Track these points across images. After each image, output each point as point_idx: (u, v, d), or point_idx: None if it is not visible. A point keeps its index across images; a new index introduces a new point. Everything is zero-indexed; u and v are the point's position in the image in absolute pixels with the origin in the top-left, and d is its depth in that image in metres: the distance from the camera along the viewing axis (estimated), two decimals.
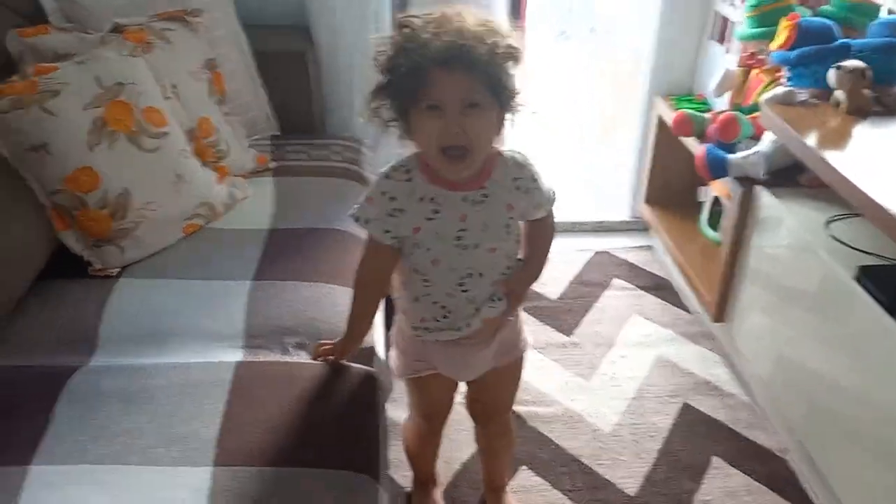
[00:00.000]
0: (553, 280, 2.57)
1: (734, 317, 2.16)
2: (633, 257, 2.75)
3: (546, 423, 2.01)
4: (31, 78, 1.65)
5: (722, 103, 2.40)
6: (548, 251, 1.42)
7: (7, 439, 1.26)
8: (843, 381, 1.67)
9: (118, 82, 1.72)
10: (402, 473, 1.80)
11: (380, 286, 1.39)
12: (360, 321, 1.43)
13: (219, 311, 1.57)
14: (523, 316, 1.51)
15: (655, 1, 2.55)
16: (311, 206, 1.96)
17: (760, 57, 2.18)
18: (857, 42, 1.91)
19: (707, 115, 2.33)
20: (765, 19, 2.12)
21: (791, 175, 1.98)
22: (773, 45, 2.01)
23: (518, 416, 2.00)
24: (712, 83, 2.37)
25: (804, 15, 2.02)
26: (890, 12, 2.01)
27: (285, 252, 1.76)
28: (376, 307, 1.44)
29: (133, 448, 1.25)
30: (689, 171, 2.38)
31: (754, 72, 2.22)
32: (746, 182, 2.03)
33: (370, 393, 1.44)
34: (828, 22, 1.96)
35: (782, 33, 1.98)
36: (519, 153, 1.30)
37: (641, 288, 2.58)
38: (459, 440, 1.89)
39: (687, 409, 2.07)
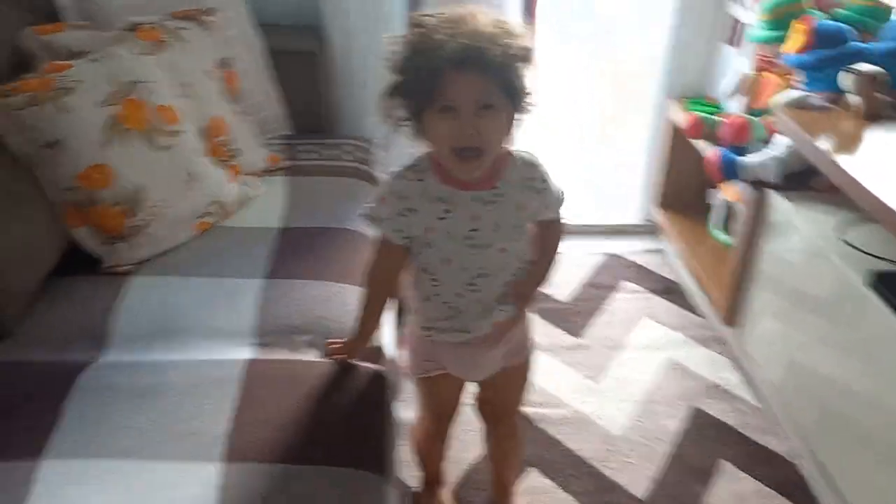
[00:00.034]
0: (563, 282, 2.57)
1: (745, 321, 2.15)
2: (643, 260, 2.74)
3: (555, 425, 2.01)
4: (45, 75, 1.67)
5: (734, 106, 2.39)
6: (556, 254, 1.42)
7: (18, 434, 1.27)
8: (854, 386, 1.66)
9: (132, 80, 1.73)
10: (409, 473, 1.80)
11: (389, 285, 1.39)
12: (369, 320, 1.43)
13: (229, 309, 1.58)
14: (531, 317, 1.51)
15: (668, 3, 2.55)
16: (322, 205, 1.96)
17: (773, 60, 2.17)
18: (871, 46, 1.90)
19: (719, 118, 2.32)
20: (778, 22, 2.11)
21: (804, 179, 1.97)
22: (787, 48, 2.01)
23: (526, 418, 1.99)
24: (725, 86, 2.37)
25: (818, 18, 2.01)
26: None
27: (296, 251, 1.76)
28: (385, 306, 1.44)
29: (143, 443, 1.26)
30: (700, 174, 2.38)
31: (768, 75, 2.21)
32: (758, 186, 2.02)
33: (379, 392, 1.44)
34: (842, 26, 1.95)
35: (796, 37, 1.97)
36: (528, 153, 1.31)
37: (652, 291, 2.58)
38: (467, 441, 1.89)
39: (697, 413, 2.06)
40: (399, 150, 2.42)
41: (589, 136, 3.74)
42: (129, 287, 1.64)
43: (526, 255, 1.35)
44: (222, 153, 1.96)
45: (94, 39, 1.87)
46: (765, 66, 2.22)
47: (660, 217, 2.76)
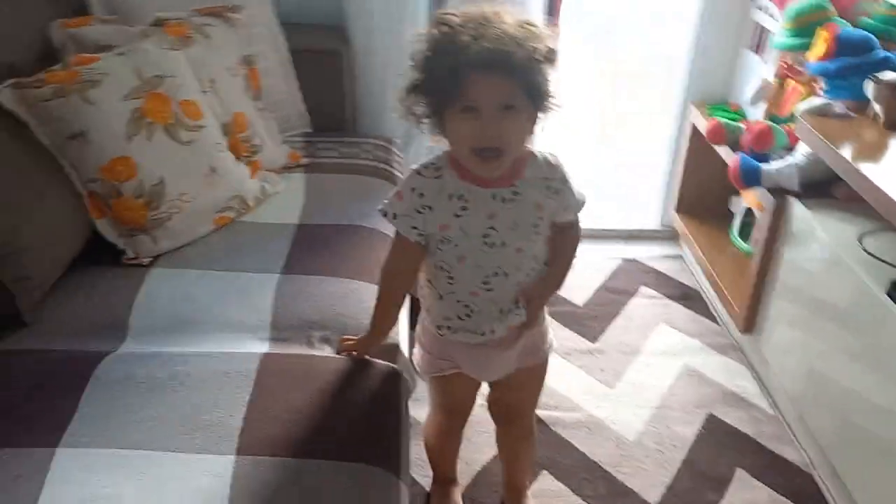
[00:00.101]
0: (580, 286, 2.56)
1: (763, 329, 2.14)
2: (661, 266, 2.73)
3: (569, 429, 2.01)
4: (72, 68, 1.69)
5: (757, 113, 2.37)
6: (572, 258, 1.42)
7: (36, 421, 1.28)
8: (873, 396, 1.65)
9: (157, 75, 1.75)
10: (421, 473, 1.80)
11: (405, 282, 1.40)
12: (384, 317, 1.44)
13: (247, 303, 1.59)
14: (549, 320, 1.51)
15: (692, 8, 2.54)
16: (341, 202, 1.97)
17: (797, 68, 2.16)
18: (895, 55, 1.88)
19: (741, 125, 2.31)
20: (803, 30, 2.10)
21: (825, 188, 1.96)
22: (811, 56, 1.99)
23: (540, 421, 1.99)
24: (748, 92, 2.36)
25: (842, 26, 1.99)
26: None
27: (314, 247, 1.77)
28: (401, 303, 1.45)
29: (158, 434, 1.26)
30: (721, 180, 2.36)
31: (791, 82, 2.20)
32: (779, 193, 2.01)
33: (393, 389, 1.44)
34: (867, 34, 1.94)
35: (821, 44, 1.96)
36: (551, 154, 1.31)
37: (669, 297, 2.57)
38: (480, 442, 1.89)
39: (712, 420, 2.05)
40: (418, 149, 2.45)
41: (608, 138, 3.74)
42: (148, 279, 1.65)
43: (542, 256, 1.35)
44: (244, 149, 1.98)
45: (121, 33, 1.89)
46: (788, 73, 2.21)
47: (679, 223, 2.75)
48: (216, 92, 1.93)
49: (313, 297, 1.61)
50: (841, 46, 1.92)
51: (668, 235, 2.90)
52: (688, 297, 2.57)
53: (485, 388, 1.58)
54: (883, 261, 1.70)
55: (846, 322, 1.75)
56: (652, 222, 2.95)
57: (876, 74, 1.78)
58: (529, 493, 1.78)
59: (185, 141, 1.75)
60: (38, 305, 1.55)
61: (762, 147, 2.11)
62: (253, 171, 1.97)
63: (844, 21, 2.07)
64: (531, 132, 1.23)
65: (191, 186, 1.76)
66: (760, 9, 2.39)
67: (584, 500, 1.81)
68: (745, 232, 2.49)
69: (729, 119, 2.39)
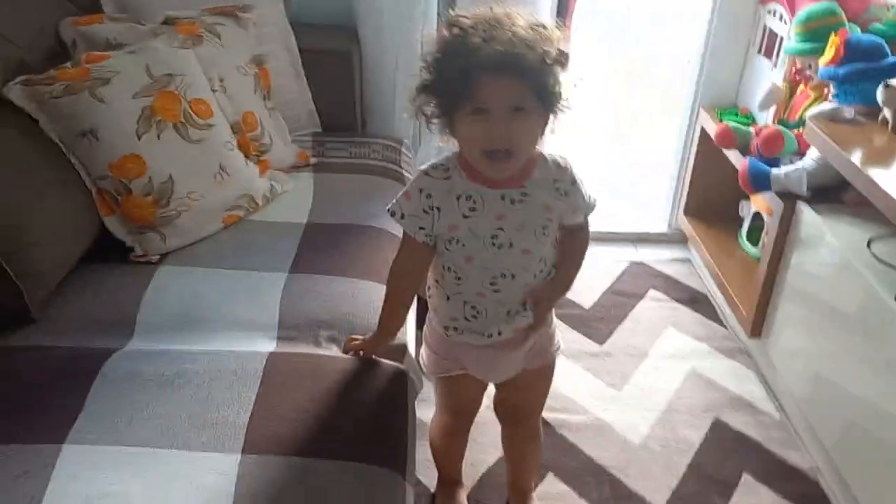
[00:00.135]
0: (587, 289, 2.56)
1: (771, 333, 2.13)
2: (669, 269, 2.73)
3: (575, 432, 2.00)
4: (83, 65, 1.70)
5: (766, 118, 2.37)
6: (581, 261, 1.42)
7: (42, 417, 1.28)
8: (880, 402, 1.64)
9: (168, 73, 1.75)
10: (427, 473, 1.80)
11: (413, 283, 1.39)
12: (392, 317, 1.44)
13: (254, 302, 1.59)
14: (556, 321, 1.51)
15: (703, 12, 2.54)
16: (350, 202, 1.97)
17: (808, 73, 2.16)
18: None
19: (751, 129, 2.30)
20: (813, 35, 2.09)
21: (834, 193, 1.96)
22: (822, 61, 1.99)
23: (547, 423, 1.98)
24: (758, 97, 2.35)
25: (854, 32, 1.99)
26: None
27: (322, 246, 1.77)
28: (409, 304, 1.45)
29: (165, 432, 1.26)
30: (730, 184, 2.36)
31: (801, 87, 2.19)
32: (788, 198, 2.01)
33: (400, 389, 1.44)
34: (878, 40, 1.94)
35: (832, 49, 1.95)
36: (561, 156, 1.31)
37: (677, 300, 2.56)
38: (486, 443, 1.89)
39: (719, 425, 2.05)
40: (427, 149, 2.45)
41: (619, 139, 3.73)
42: (156, 276, 1.66)
43: (550, 258, 1.35)
44: (253, 148, 1.98)
45: (132, 32, 1.90)
46: (798, 78, 2.20)
47: (687, 226, 2.74)
48: (226, 91, 1.93)
49: (321, 296, 1.61)
50: (851, 51, 1.91)
51: (676, 239, 2.89)
52: (696, 301, 2.56)
53: (491, 389, 1.58)
54: (892, 266, 1.70)
55: (854, 327, 1.75)
56: (660, 225, 2.94)
57: (888, 80, 1.78)
58: (535, 494, 1.78)
59: (194, 139, 1.76)
60: (46, 302, 1.56)
61: (771, 151, 2.10)
62: (262, 170, 1.97)
63: (855, 26, 2.06)
64: (541, 134, 1.23)
65: (200, 185, 1.77)
66: (771, 13, 2.39)
67: (589, 502, 1.81)
68: (753, 236, 2.49)
69: (738, 123, 2.38)
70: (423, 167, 1.30)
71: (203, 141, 1.78)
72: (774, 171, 2.04)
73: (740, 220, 2.57)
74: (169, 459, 1.22)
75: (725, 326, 2.44)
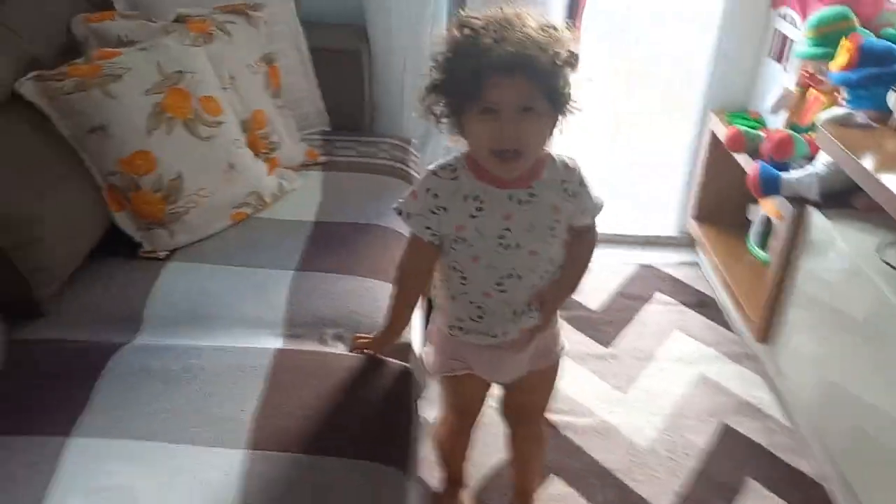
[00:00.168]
0: (595, 291, 2.56)
1: (779, 339, 2.12)
2: (678, 273, 2.72)
3: (580, 434, 2.00)
4: (94, 62, 1.70)
5: (777, 122, 2.36)
6: (588, 262, 1.41)
7: (50, 410, 1.29)
8: (890, 410, 1.63)
9: (178, 70, 1.76)
10: (431, 473, 1.80)
11: (419, 282, 1.39)
12: (398, 316, 1.44)
13: (261, 299, 1.60)
14: (561, 322, 1.51)
15: (714, 16, 2.53)
16: (357, 201, 1.98)
17: (819, 77, 2.15)
18: None
19: (761, 133, 2.30)
20: (825, 39, 2.08)
21: (845, 198, 1.95)
22: (834, 66, 1.98)
23: (552, 425, 1.98)
24: (769, 101, 2.34)
25: (867, 37, 1.98)
26: None
27: (329, 245, 1.78)
28: (415, 303, 1.45)
29: (171, 426, 1.27)
30: (739, 188, 2.35)
31: (812, 92, 2.18)
32: (798, 202, 2.00)
33: (405, 388, 1.44)
34: (891, 45, 1.92)
35: (844, 54, 1.94)
36: (569, 157, 1.30)
37: (685, 304, 2.55)
38: (490, 444, 1.88)
39: (725, 430, 2.04)
40: (435, 149, 2.45)
41: (625, 142, 3.72)
42: (164, 272, 1.66)
43: (557, 259, 1.34)
44: (262, 146, 1.99)
45: (143, 29, 1.91)
46: (809, 82, 2.19)
47: (696, 230, 2.74)
48: (236, 89, 1.94)
49: (328, 294, 1.62)
50: (864, 56, 1.90)
51: (684, 242, 2.89)
52: (703, 305, 2.55)
53: (496, 390, 1.58)
54: None
55: (864, 333, 1.74)
56: (669, 228, 2.94)
57: None
58: (539, 496, 1.78)
59: (204, 136, 1.76)
60: (55, 296, 1.57)
61: (782, 156, 2.09)
62: (271, 168, 1.98)
63: (867, 31, 2.05)
64: (550, 135, 1.23)
65: (209, 182, 1.77)
66: (782, 17, 2.38)
67: None
68: (762, 241, 2.48)
69: (749, 127, 2.38)
70: (430, 167, 1.30)
71: (212, 138, 1.78)
72: (785, 175, 2.03)
73: (749, 225, 2.56)
74: (174, 454, 1.22)
75: (733, 331, 2.43)
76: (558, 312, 1.45)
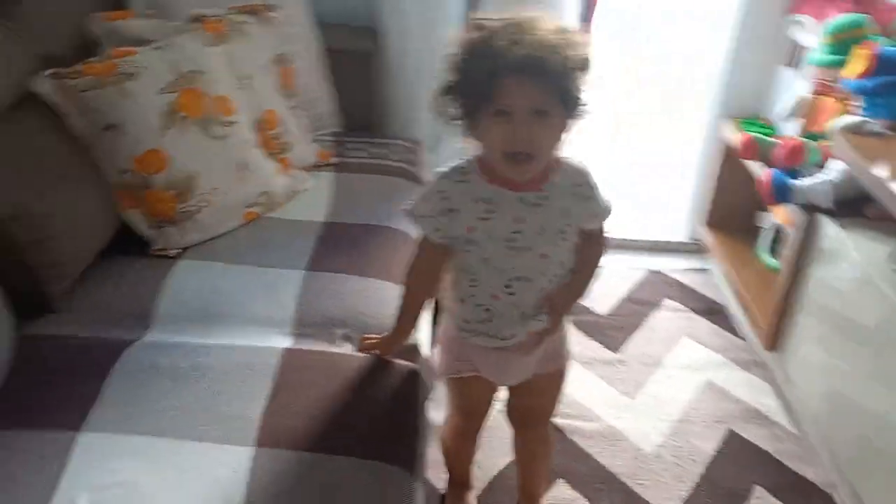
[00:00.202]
0: (603, 295, 2.55)
1: (788, 346, 2.12)
2: (687, 279, 2.71)
3: (587, 439, 2.00)
4: (110, 60, 1.72)
5: (790, 129, 2.35)
6: (597, 268, 1.41)
7: (60, 405, 1.31)
8: None
9: (192, 70, 1.77)
10: (437, 475, 1.80)
11: (429, 283, 1.40)
12: (407, 317, 1.44)
13: (271, 298, 1.61)
14: (569, 327, 1.51)
15: (728, 22, 2.52)
16: (368, 202, 1.98)
17: (833, 84, 2.14)
18: None
19: (774, 140, 2.29)
20: (840, 47, 2.07)
21: (857, 206, 1.94)
22: (849, 73, 1.97)
23: (558, 429, 1.98)
24: (782, 108, 2.34)
25: (883, 44, 1.97)
26: None
27: (339, 245, 1.78)
28: (424, 304, 1.45)
29: (179, 423, 1.28)
30: (751, 195, 2.35)
31: (826, 99, 2.17)
32: (810, 210, 1.99)
33: (413, 389, 1.45)
34: None
35: (860, 62, 1.93)
36: (578, 161, 1.30)
37: (694, 310, 2.55)
38: (497, 447, 1.88)
39: (732, 436, 2.03)
40: (446, 152, 2.45)
41: (638, 149, 3.72)
42: (175, 270, 1.67)
43: (567, 263, 1.35)
44: (274, 146, 1.99)
45: (159, 28, 1.92)
46: (823, 89, 2.19)
47: (706, 236, 2.73)
48: (249, 88, 1.95)
49: (337, 294, 1.62)
50: (881, 64, 1.89)
51: (695, 248, 2.88)
52: (713, 312, 2.55)
53: (503, 393, 1.58)
54: None
55: (873, 342, 1.73)
56: (678, 234, 2.93)
57: None
58: (544, 500, 1.78)
59: (217, 136, 1.77)
60: (66, 292, 1.58)
61: (794, 163, 2.09)
62: (282, 168, 1.98)
63: (884, 38, 2.04)
64: (562, 138, 1.23)
65: (221, 181, 1.78)
66: (797, 24, 2.37)
67: None
68: (773, 248, 2.47)
69: (762, 134, 2.37)
70: (441, 169, 1.30)
71: (225, 138, 1.79)
72: (798, 182, 2.02)
73: (760, 232, 2.56)
74: (182, 450, 1.23)
75: (742, 338, 2.43)
76: (566, 316, 1.46)
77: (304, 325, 1.55)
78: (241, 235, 1.81)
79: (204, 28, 1.90)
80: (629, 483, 1.87)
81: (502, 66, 1.12)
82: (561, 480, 1.86)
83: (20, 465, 1.19)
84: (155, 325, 1.54)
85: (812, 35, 2.27)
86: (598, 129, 1.24)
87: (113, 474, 1.19)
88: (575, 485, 1.86)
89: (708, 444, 2.00)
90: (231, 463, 1.22)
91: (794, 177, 2.06)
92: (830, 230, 1.92)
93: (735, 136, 2.45)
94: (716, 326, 2.47)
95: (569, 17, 2.36)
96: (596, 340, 2.36)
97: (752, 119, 2.56)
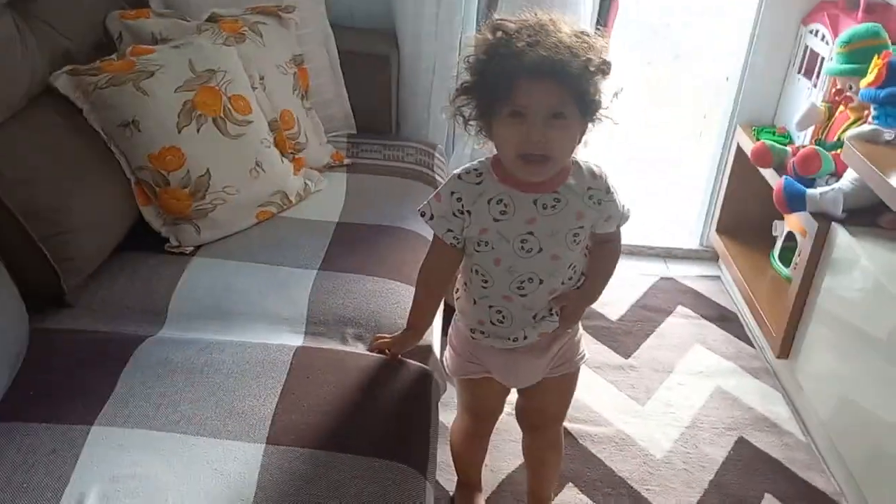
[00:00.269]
0: (615, 301, 2.55)
1: (799, 354, 2.11)
2: (699, 286, 2.71)
3: (596, 443, 1.99)
4: (128, 58, 1.73)
5: (804, 138, 2.35)
6: (611, 271, 1.42)
7: (74, 399, 1.31)
8: None
9: (209, 69, 1.78)
10: (446, 476, 1.80)
11: (441, 284, 1.40)
12: (420, 317, 1.45)
13: (283, 296, 1.61)
14: (582, 331, 1.51)
15: (744, 32, 2.53)
16: (381, 203, 1.99)
17: (848, 94, 2.14)
18: None
19: (787, 148, 2.29)
20: (855, 56, 2.07)
21: (870, 215, 1.94)
22: (864, 83, 1.97)
23: (568, 434, 1.98)
24: (796, 117, 2.33)
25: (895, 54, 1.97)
26: None
27: (352, 245, 1.79)
28: (437, 305, 1.46)
29: (192, 419, 1.29)
30: (763, 203, 2.34)
31: (840, 108, 2.17)
32: (823, 219, 1.99)
33: (424, 390, 1.45)
34: None
35: (874, 71, 1.93)
36: (595, 164, 1.31)
37: (705, 317, 2.54)
38: (507, 450, 1.89)
39: (742, 444, 2.03)
40: (460, 155, 2.46)
41: (651, 155, 3.72)
42: (189, 267, 1.68)
43: (580, 265, 1.35)
44: (289, 146, 2.01)
45: (177, 27, 1.94)
46: (838, 99, 2.18)
47: (719, 243, 2.72)
48: (265, 89, 1.96)
49: (349, 294, 1.63)
50: (892, 73, 1.89)
51: (707, 255, 2.87)
52: (724, 319, 2.54)
53: (513, 396, 1.58)
54: None
55: (885, 352, 1.72)
56: (691, 241, 2.93)
57: None
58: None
59: (233, 135, 1.78)
60: (82, 287, 1.60)
61: (807, 171, 2.08)
62: (297, 168, 1.99)
63: None
64: (578, 142, 1.23)
65: (236, 179, 1.79)
66: (813, 33, 2.37)
67: None
68: (785, 256, 2.46)
69: (775, 142, 2.37)
70: (456, 171, 1.30)
71: (241, 136, 1.80)
72: (810, 191, 2.02)
73: (773, 240, 2.55)
74: (194, 445, 1.24)
75: (753, 346, 2.42)
76: (580, 322, 1.46)
77: (316, 324, 1.56)
78: (254, 234, 1.82)
79: (221, 28, 1.91)
80: (638, 488, 1.87)
81: (519, 67, 1.12)
82: (570, 484, 1.86)
83: (33, 456, 1.20)
84: (169, 321, 1.55)
85: (826, 44, 2.27)
86: (612, 134, 1.24)
87: (124, 467, 1.19)
88: (584, 489, 1.86)
89: (718, 451, 1.99)
90: (242, 459, 1.22)
91: (808, 185, 2.06)
92: (843, 239, 1.92)
93: (749, 144, 2.45)
94: (727, 334, 2.47)
95: (585, 20, 2.37)
96: (607, 346, 2.36)
97: (766, 127, 2.56)
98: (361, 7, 2.46)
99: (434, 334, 1.61)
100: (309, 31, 2.23)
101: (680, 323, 2.51)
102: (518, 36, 1.14)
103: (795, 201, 2.04)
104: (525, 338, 1.37)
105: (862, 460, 1.79)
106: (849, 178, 1.96)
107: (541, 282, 1.31)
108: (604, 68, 1.17)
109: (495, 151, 1.25)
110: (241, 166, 1.81)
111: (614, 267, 1.42)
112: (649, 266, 2.82)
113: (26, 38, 1.62)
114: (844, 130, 2.08)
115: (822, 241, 1.99)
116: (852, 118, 2.09)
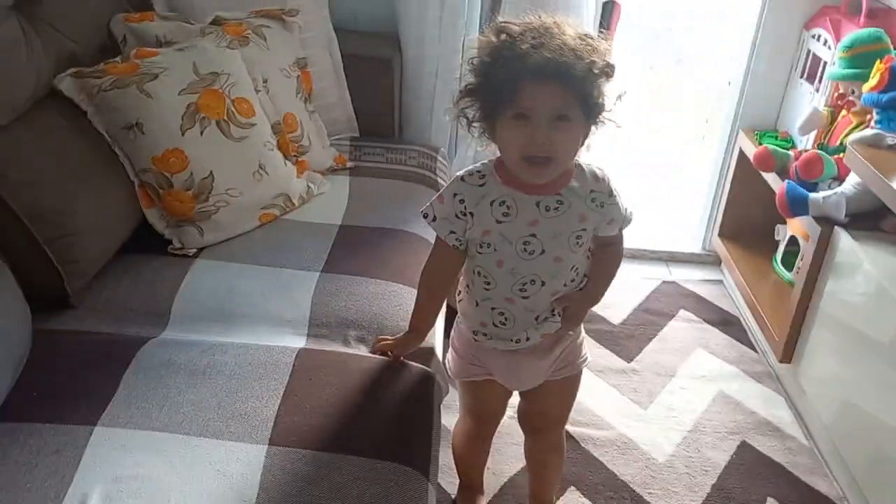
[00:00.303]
0: (617, 305, 2.55)
1: (802, 359, 2.11)
2: (701, 290, 2.71)
3: (599, 447, 1.99)
4: (132, 60, 1.74)
5: (806, 142, 2.35)
6: (613, 275, 1.42)
7: (77, 400, 1.31)
8: None
9: (213, 71, 1.79)
10: (448, 479, 1.80)
11: (443, 286, 1.41)
12: (422, 319, 1.45)
13: (286, 299, 1.62)
14: (584, 335, 1.51)
15: (747, 36, 2.53)
16: (384, 206, 1.99)
17: (850, 98, 2.14)
18: None
19: (790, 152, 2.29)
20: (858, 61, 2.08)
21: (873, 220, 1.94)
22: (866, 87, 1.97)
23: (570, 437, 1.98)
24: (799, 121, 2.34)
25: None
26: None
27: (354, 248, 1.79)
28: (439, 307, 1.46)
29: (195, 420, 1.29)
30: (766, 207, 2.34)
31: (843, 113, 2.17)
32: (826, 223, 1.99)
33: (426, 392, 1.45)
34: None
35: (876, 76, 1.94)
36: (598, 167, 1.31)
37: (708, 322, 2.54)
38: (509, 454, 1.89)
39: (745, 448, 2.02)
40: (463, 158, 2.46)
41: (653, 159, 3.72)
42: (192, 269, 1.69)
43: (582, 268, 1.35)
44: (292, 149, 2.01)
45: (181, 30, 1.95)
46: (841, 103, 2.19)
47: (722, 247, 2.72)
48: (269, 91, 1.97)
49: (352, 296, 1.63)
50: (895, 78, 1.89)
51: (709, 259, 2.87)
52: (727, 323, 2.54)
53: (516, 398, 1.58)
54: None
55: (888, 356, 1.72)
56: (694, 245, 2.93)
57: None
58: None
59: (236, 137, 1.79)
60: (85, 289, 1.60)
61: (810, 175, 2.08)
62: (300, 171, 2.00)
63: None
64: (582, 145, 1.24)
65: (239, 182, 1.79)
66: (815, 38, 2.38)
67: None
68: (788, 260, 2.46)
69: (778, 146, 2.37)
70: (459, 173, 1.31)
71: (244, 139, 1.81)
72: (813, 195, 2.02)
73: (775, 244, 2.55)
74: (196, 446, 1.24)
75: (756, 350, 2.42)
76: (582, 325, 1.46)
77: (318, 326, 1.56)
78: (257, 236, 1.83)
79: (225, 31, 1.92)
80: (640, 492, 1.87)
81: (524, 70, 1.13)
82: (572, 488, 1.86)
83: (36, 457, 1.20)
84: (172, 322, 1.55)
85: (829, 49, 2.28)
86: (614, 138, 1.24)
87: (127, 468, 1.20)
88: (586, 493, 1.85)
89: (720, 455, 1.99)
90: (244, 459, 1.22)
91: (811, 190, 2.06)
92: (846, 243, 1.92)
93: (751, 148, 2.45)
94: (730, 338, 2.47)
95: (588, 24, 2.37)
96: (609, 349, 2.36)
97: (769, 131, 2.56)
98: (365, 11, 2.47)
99: (436, 336, 1.61)
100: (312, 35, 2.23)
101: (682, 327, 2.51)
102: (522, 38, 1.14)
103: (798, 205, 2.05)
104: (527, 339, 1.37)
105: (865, 464, 1.79)
106: (851, 182, 1.97)
107: (543, 284, 1.31)
108: (607, 71, 1.17)
109: (498, 154, 1.26)
110: (245, 169, 1.81)
111: (617, 269, 1.42)
112: (652, 270, 2.82)
113: (31, 40, 1.63)
114: (847, 135, 2.08)
115: (824, 246, 1.99)
116: (855, 122, 2.10)
